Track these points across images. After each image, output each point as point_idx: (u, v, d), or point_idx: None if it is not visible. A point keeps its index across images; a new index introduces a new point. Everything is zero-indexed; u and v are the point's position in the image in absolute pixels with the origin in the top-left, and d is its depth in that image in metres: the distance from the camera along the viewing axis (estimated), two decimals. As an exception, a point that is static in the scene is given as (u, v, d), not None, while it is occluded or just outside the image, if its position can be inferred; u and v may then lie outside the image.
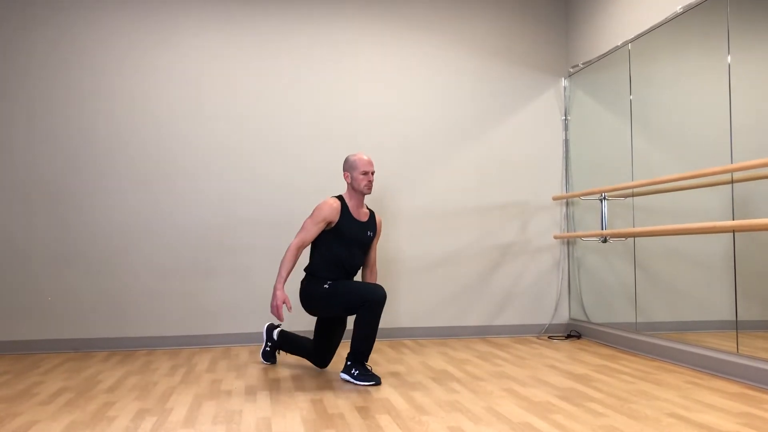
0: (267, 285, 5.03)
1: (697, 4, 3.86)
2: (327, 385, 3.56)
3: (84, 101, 4.94)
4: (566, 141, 5.48)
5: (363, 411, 2.97)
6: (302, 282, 3.83)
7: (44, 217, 4.86)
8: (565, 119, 5.49)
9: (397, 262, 5.20)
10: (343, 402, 3.15)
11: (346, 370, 3.63)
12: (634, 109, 4.51)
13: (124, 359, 4.47)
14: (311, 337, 4.53)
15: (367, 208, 3.93)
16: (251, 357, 4.47)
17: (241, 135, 5.09)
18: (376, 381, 3.53)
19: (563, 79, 5.51)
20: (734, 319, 3.60)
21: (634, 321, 4.51)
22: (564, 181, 5.48)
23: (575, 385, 3.45)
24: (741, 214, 3.54)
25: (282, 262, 3.64)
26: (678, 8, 4.03)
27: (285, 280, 3.61)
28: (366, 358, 3.62)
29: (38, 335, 4.81)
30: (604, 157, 4.91)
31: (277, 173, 5.11)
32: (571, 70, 5.41)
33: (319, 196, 5.12)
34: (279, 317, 3.58)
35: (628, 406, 3.00)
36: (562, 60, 5.52)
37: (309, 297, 3.75)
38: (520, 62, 5.46)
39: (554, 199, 5.34)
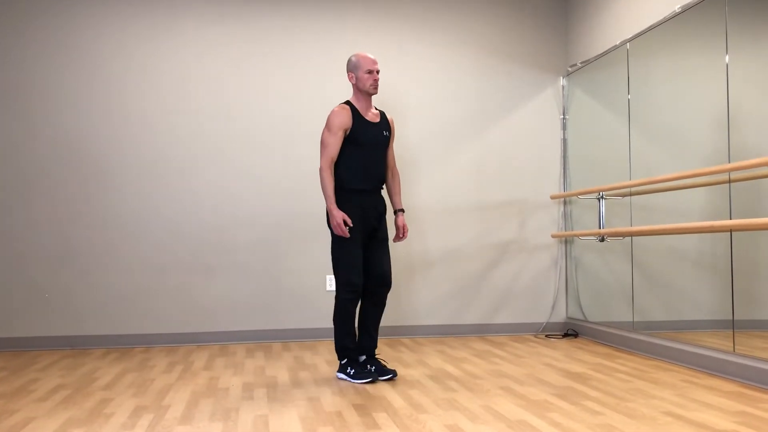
0: (264, 282, 5.03)
1: (696, 4, 3.86)
2: (324, 383, 3.56)
3: (80, 100, 4.93)
4: (564, 140, 5.49)
5: (360, 409, 2.97)
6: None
7: (41, 215, 4.85)
8: (564, 118, 5.49)
9: (395, 260, 5.20)
10: (340, 400, 3.15)
11: (342, 369, 3.64)
12: (632, 108, 4.51)
13: (121, 356, 4.46)
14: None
15: (376, 109, 3.79)
16: (248, 354, 4.47)
17: (237, 133, 5.08)
18: (373, 378, 3.54)
19: (562, 78, 5.51)
20: (731, 318, 3.61)
21: (631, 320, 4.52)
22: (562, 180, 5.48)
23: (572, 383, 3.46)
24: (738, 214, 3.54)
25: (322, 186, 3.55)
26: (676, 8, 4.03)
27: (334, 198, 3.55)
28: (337, 354, 3.70)
29: (35, 332, 4.80)
30: (602, 155, 4.91)
31: (274, 172, 5.11)
32: (570, 69, 5.41)
33: (314, 194, 5.12)
34: (344, 233, 3.52)
35: (624, 404, 3.00)
36: (561, 59, 5.52)
37: (329, 217, 3.63)
38: (518, 61, 5.46)
39: (552, 197, 5.35)
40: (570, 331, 5.28)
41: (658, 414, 2.83)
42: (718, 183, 3.69)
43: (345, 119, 3.59)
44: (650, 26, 4.30)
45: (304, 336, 5.08)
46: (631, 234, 4.32)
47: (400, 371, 3.83)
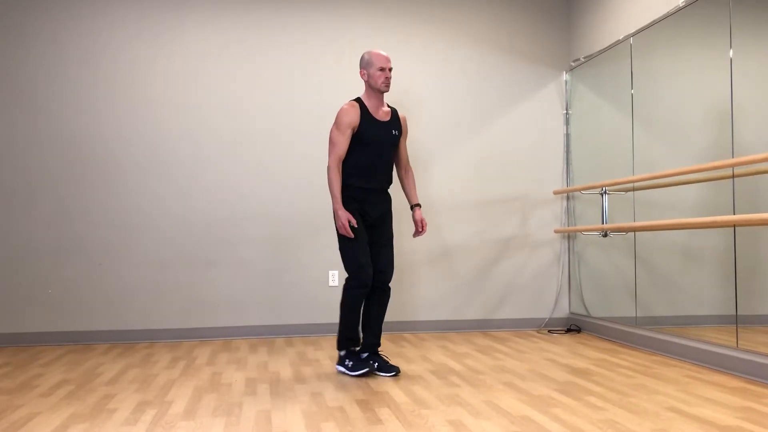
0: (267, 278, 5.04)
1: (700, -2, 3.85)
2: (327, 378, 3.56)
3: (84, 94, 4.93)
4: (567, 135, 5.47)
5: (363, 404, 2.97)
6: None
7: (45, 210, 4.85)
8: (567, 113, 5.48)
9: (397, 256, 5.20)
10: (343, 395, 3.15)
11: (340, 361, 3.68)
12: (636, 103, 4.50)
13: (125, 352, 4.47)
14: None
15: (389, 106, 3.75)
16: (251, 350, 4.48)
17: (241, 128, 5.08)
18: (370, 368, 3.56)
19: (565, 72, 5.49)
20: (734, 313, 3.60)
21: (634, 315, 4.52)
22: (565, 175, 5.47)
23: (575, 379, 3.45)
24: (742, 209, 3.53)
25: (330, 184, 3.54)
26: (680, 2, 4.01)
27: (340, 198, 3.52)
28: (337, 345, 3.69)
29: (39, 327, 4.81)
30: (605, 151, 4.90)
31: (277, 166, 5.11)
32: (573, 63, 5.40)
33: (317, 190, 5.12)
34: (349, 234, 3.50)
35: (627, 400, 3.00)
36: (564, 54, 5.51)
37: (334, 214, 3.61)
38: (521, 56, 5.45)
39: (555, 193, 5.34)
40: (573, 327, 5.28)
41: (661, 409, 2.83)
42: (721, 178, 3.68)
43: (353, 117, 3.57)
44: (653, 21, 4.28)
45: (307, 331, 5.09)
46: (634, 229, 4.31)
47: (403, 367, 3.83)
